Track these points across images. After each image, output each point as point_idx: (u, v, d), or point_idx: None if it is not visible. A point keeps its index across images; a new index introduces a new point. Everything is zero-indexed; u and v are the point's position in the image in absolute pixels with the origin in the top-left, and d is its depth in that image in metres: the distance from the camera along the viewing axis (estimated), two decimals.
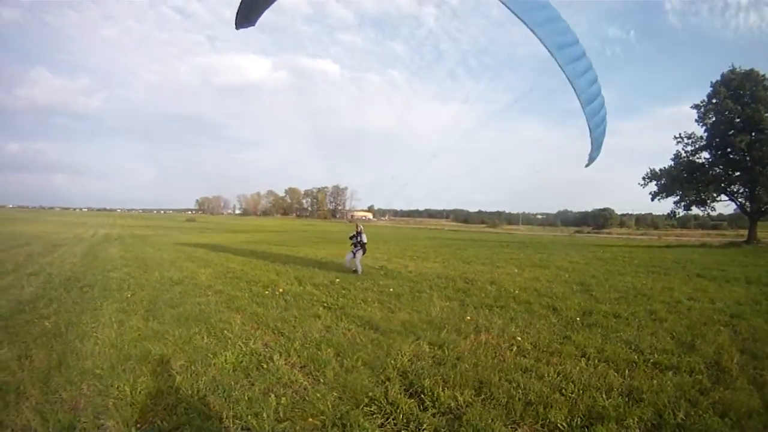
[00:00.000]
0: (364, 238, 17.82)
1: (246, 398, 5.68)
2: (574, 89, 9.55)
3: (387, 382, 6.34)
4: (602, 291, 14.19)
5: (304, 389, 6.10)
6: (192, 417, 5.17)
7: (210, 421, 5.11)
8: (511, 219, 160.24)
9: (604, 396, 6.03)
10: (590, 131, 10.63)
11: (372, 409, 5.56)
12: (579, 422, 5.35)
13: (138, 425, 5.02)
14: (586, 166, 11.45)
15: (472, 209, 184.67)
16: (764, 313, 11.07)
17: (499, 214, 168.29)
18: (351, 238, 18.05)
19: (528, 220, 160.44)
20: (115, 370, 6.44)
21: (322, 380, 6.42)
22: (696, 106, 48.82)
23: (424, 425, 5.19)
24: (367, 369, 6.88)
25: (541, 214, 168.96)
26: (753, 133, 42.95)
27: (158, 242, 33.21)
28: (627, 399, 6.00)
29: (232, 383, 6.13)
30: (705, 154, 49.12)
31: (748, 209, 47.33)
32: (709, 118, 47.28)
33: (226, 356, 7.06)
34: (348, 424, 5.12)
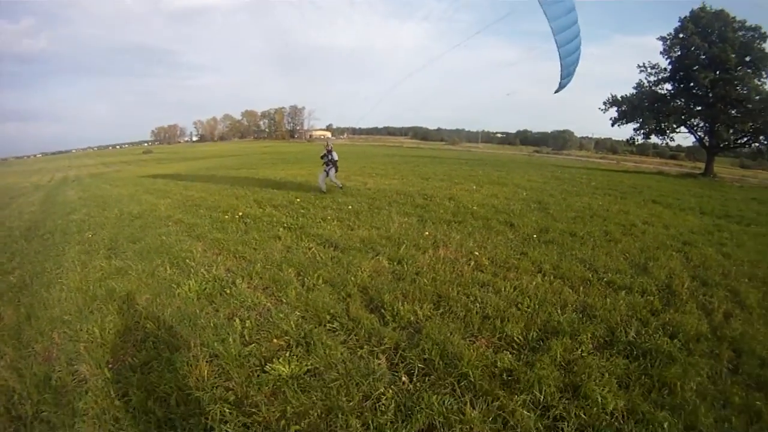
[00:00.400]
0: (335, 156, 17.44)
1: (212, 325, 5.66)
2: (546, 14, 9.27)
3: (348, 299, 6.40)
4: (559, 210, 14.41)
5: (268, 311, 6.11)
6: (161, 350, 5.14)
7: (178, 351, 5.08)
8: (470, 137, 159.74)
9: (559, 311, 6.22)
10: (560, 58, 10.43)
11: (334, 326, 5.63)
12: (535, 336, 5.52)
13: (109, 365, 4.97)
14: (556, 92, 11.30)
15: (432, 127, 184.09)
16: (716, 243, 11.46)
17: (458, 131, 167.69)
18: (322, 157, 17.59)
19: (488, 138, 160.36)
20: (82, 314, 6.29)
21: (284, 300, 6.43)
22: (662, 38, 48.61)
23: (385, 339, 5.29)
24: (328, 287, 6.92)
25: (501, 132, 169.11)
26: (717, 72, 43.09)
27: (116, 178, 32.01)
28: (581, 315, 6.21)
29: (197, 311, 6.08)
30: (668, 86, 49.46)
31: (707, 143, 48.30)
32: (675, 52, 47.26)
33: (189, 285, 6.94)
34: (311, 342, 5.18)
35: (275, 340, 5.24)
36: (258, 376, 4.63)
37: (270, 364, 4.73)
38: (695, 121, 49.25)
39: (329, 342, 5.17)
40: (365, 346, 5.17)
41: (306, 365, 4.75)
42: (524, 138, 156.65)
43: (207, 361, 4.86)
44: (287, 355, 4.94)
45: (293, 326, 5.55)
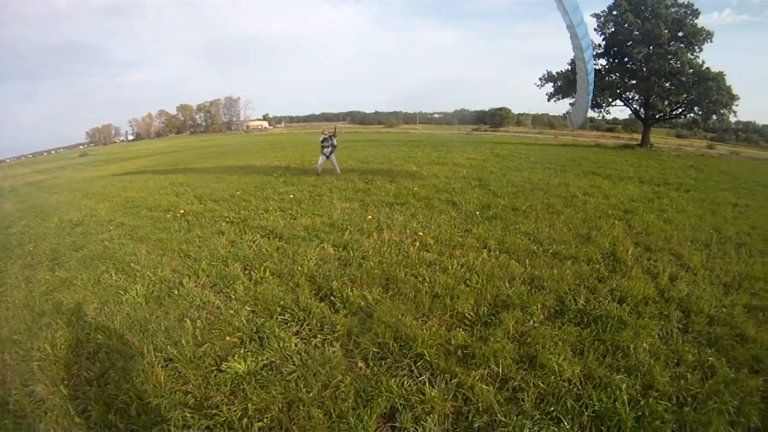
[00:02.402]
0: (335, 141, 18.60)
1: (163, 328, 5.51)
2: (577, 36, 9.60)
3: (297, 289, 6.39)
4: (500, 186, 14.71)
5: (217, 308, 6.02)
6: (115, 359, 4.97)
7: (132, 359, 4.93)
8: (408, 119, 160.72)
9: (507, 285, 6.39)
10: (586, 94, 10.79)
11: (286, 318, 5.60)
12: (486, 311, 5.65)
13: (65, 382, 4.76)
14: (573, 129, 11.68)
15: (369, 111, 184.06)
16: (656, 209, 12.03)
17: (396, 114, 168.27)
18: (323, 142, 18.38)
19: (425, 119, 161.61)
20: (32, 331, 5.98)
21: (233, 296, 6.35)
22: (596, 15, 50.90)
23: (338, 327, 5.29)
24: (275, 278, 6.87)
25: (439, 113, 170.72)
26: (651, 47, 45.61)
27: (53, 185, 30.22)
28: (529, 287, 6.42)
29: (147, 316, 5.90)
30: (602, 61, 51.81)
31: (643, 115, 50.92)
32: (609, 29, 49.54)
33: (136, 290, 6.73)
34: (265, 336, 5.14)
35: (228, 338, 5.16)
36: (215, 376, 4.54)
37: (226, 363, 4.65)
38: (630, 95, 51.74)
39: (282, 334, 5.14)
40: (318, 335, 5.17)
41: (262, 360, 4.71)
42: (462, 117, 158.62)
43: (162, 366, 4.74)
44: (242, 351, 4.87)
45: (245, 322, 5.48)
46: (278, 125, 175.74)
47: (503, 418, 3.85)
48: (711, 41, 45.67)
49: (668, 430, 3.84)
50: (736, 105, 45.33)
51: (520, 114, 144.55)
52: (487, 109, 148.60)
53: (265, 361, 4.70)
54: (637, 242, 8.86)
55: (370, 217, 10.33)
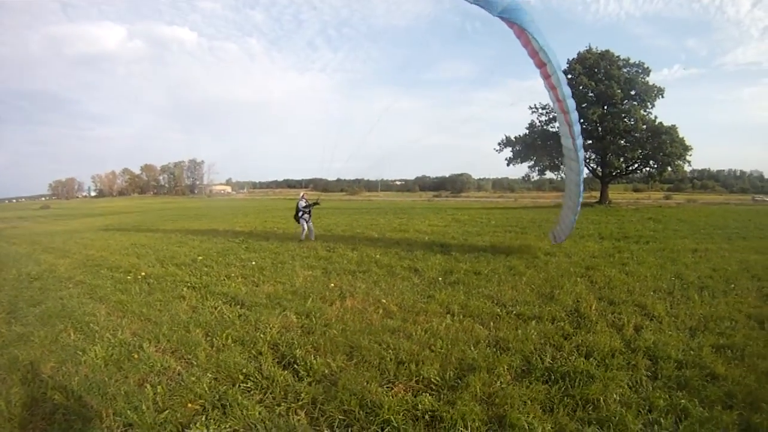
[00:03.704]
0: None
1: (122, 393, 5.35)
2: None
3: (260, 357, 6.32)
4: (462, 251, 14.94)
5: (179, 375, 5.88)
6: (72, 422, 4.82)
7: (91, 423, 4.78)
8: (370, 186, 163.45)
9: (472, 348, 6.40)
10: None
11: (249, 386, 5.49)
12: (452, 375, 5.61)
13: None
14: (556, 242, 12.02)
15: (331, 178, 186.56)
16: (617, 263, 12.39)
17: (358, 181, 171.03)
18: (307, 207, 18.70)
19: (387, 186, 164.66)
20: None
21: (194, 363, 6.23)
22: None
23: (302, 394, 5.20)
24: (238, 345, 6.79)
25: (400, 180, 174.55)
26: (605, 107, 48.50)
27: (12, 235, 29.60)
28: (495, 349, 6.45)
29: (106, 379, 5.73)
30: (558, 124, 53.84)
31: (600, 173, 53.11)
32: None
33: (95, 351, 6.58)
34: (227, 404, 5.01)
35: (190, 405, 5.02)
36: None
37: (188, 430, 4.53)
38: (587, 154, 53.62)
39: (245, 402, 5.03)
40: (282, 404, 5.07)
41: (225, 428, 4.59)
42: (423, 184, 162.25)
43: None
44: (204, 419, 4.75)
45: (206, 389, 5.36)
46: (241, 190, 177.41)
47: None
48: (662, 96, 48.38)
49: None
50: (690, 155, 47.68)
51: (480, 179, 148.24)
52: (447, 175, 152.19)
53: (228, 430, 4.58)
54: (600, 297, 9.05)
55: (332, 284, 10.34)
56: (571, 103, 10.97)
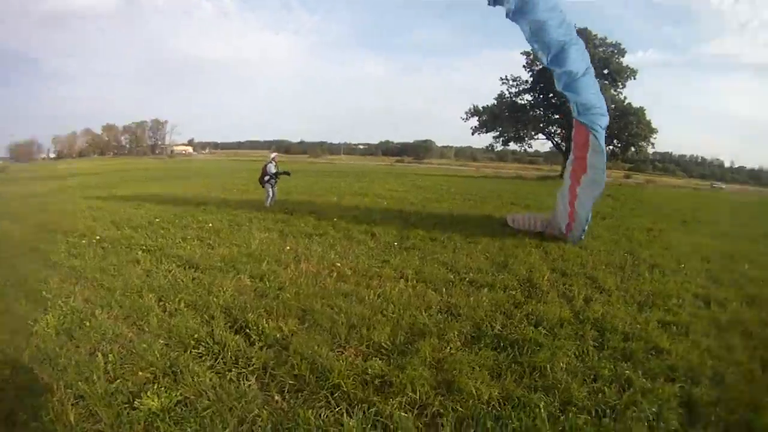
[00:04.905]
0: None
1: (73, 363, 5.16)
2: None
3: (212, 321, 6.19)
4: (419, 217, 15.12)
5: (130, 342, 5.70)
6: (23, 397, 4.63)
7: (43, 397, 4.59)
8: (332, 149, 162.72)
9: (424, 313, 6.47)
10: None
11: (200, 351, 5.39)
12: (402, 340, 5.65)
13: None
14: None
15: (295, 140, 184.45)
16: None
17: (321, 144, 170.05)
18: (276, 174, 17.90)
19: (350, 150, 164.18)
20: None
21: (146, 329, 6.07)
22: (525, 53, 54.19)
23: (253, 360, 5.15)
24: (190, 310, 6.64)
25: (363, 144, 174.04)
26: None
27: None
28: (446, 315, 6.54)
29: (57, 349, 5.52)
30: (528, 97, 55.04)
31: (563, 148, 54.02)
32: (537, 66, 52.48)
33: (47, 320, 6.32)
34: (179, 371, 4.91)
35: (141, 373, 4.90)
36: (128, 413, 4.28)
37: (138, 400, 4.40)
38: (553, 129, 54.76)
39: (197, 369, 4.94)
40: (234, 369, 5.00)
41: (176, 396, 4.49)
42: (386, 149, 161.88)
43: (73, 404, 4.44)
44: (155, 387, 4.62)
45: (158, 356, 5.23)
46: (203, 151, 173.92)
47: None
48: (635, 78, 49.13)
49: None
50: (655, 137, 48.81)
51: (443, 146, 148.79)
52: (411, 141, 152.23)
53: (179, 397, 4.49)
54: (553, 268, 9.21)
55: (288, 247, 10.27)
56: None
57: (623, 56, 49.71)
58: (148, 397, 4.42)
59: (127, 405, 4.41)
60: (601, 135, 10.07)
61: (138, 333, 5.99)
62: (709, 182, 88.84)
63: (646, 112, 47.77)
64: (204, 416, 4.18)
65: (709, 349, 5.81)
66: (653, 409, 4.36)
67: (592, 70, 10.41)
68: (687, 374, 5.10)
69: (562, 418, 4.19)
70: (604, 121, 10.30)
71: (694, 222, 18.48)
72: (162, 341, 5.65)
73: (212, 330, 5.89)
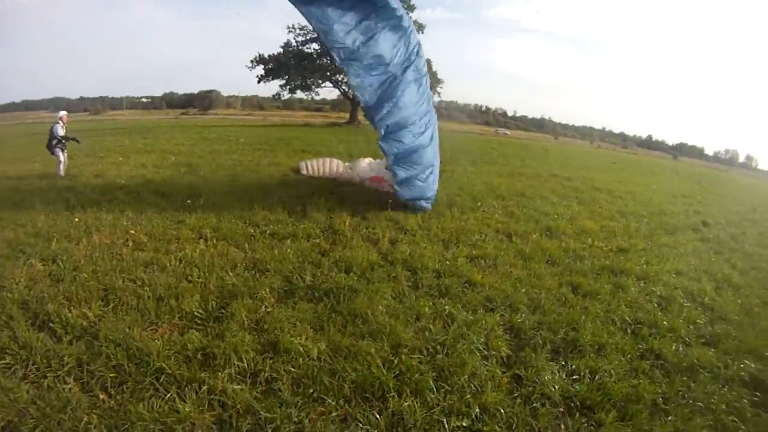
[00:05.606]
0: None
1: None
2: None
3: (11, 322, 5.03)
4: (209, 170, 14.67)
5: None
6: None
7: None
8: (114, 104, 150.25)
9: (231, 273, 6.23)
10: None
11: (8, 362, 4.37)
12: (215, 305, 5.36)
13: None
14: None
15: (74, 96, 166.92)
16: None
17: (102, 99, 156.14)
18: (64, 139, 14.80)
19: (132, 104, 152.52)
20: None
21: None
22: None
23: (65, 358, 4.37)
24: None
25: (146, 97, 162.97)
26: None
27: None
28: (254, 272, 6.38)
29: None
30: (315, 46, 54.96)
31: (351, 96, 55.40)
32: None
33: None
34: None
35: None
36: None
37: None
38: (340, 77, 55.70)
39: (8, 384, 4.03)
40: (48, 374, 4.20)
41: None
42: (170, 101, 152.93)
43: None
44: None
45: None
46: None
47: (267, 414, 3.67)
48: (422, 33, 51.21)
49: (430, 380, 4.10)
50: (441, 87, 51.84)
51: (229, 96, 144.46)
52: (196, 92, 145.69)
53: (2, 423, 3.69)
54: (352, 213, 9.42)
55: (77, 219, 9.00)
56: None
57: (412, 11, 51.80)
58: None
59: None
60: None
61: None
62: (494, 129, 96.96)
63: (431, 63, 50.43)
64: None
65: (519, 279, 6.35)
66: (481, 340, 4.67)
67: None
68: (504, 303, 5.56)
69: (396, 361, 4.28)
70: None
71: (484, 163, 20.08)
72: None
73: (14, 333, 4.83)
